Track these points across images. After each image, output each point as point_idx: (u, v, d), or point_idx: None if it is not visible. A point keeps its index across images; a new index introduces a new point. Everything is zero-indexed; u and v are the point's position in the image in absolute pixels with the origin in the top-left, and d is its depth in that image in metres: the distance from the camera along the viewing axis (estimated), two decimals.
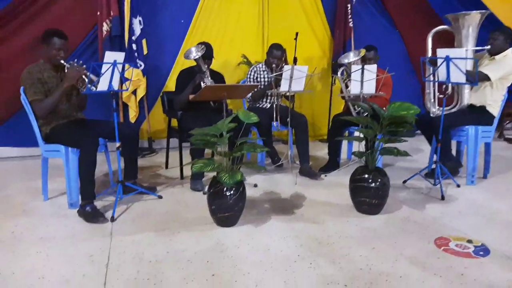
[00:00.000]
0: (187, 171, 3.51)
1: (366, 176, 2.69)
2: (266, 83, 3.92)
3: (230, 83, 4.10)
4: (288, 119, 3.57)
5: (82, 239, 2.35)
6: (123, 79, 2.85)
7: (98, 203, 2.87)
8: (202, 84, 3.39)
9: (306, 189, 3.26)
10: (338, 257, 2.15)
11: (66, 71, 2.78)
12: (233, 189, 2.44)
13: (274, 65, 3.80)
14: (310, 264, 2.08)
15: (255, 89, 3.72)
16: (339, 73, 3.80)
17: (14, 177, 3.58)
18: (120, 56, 2.78)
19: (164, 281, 1.92)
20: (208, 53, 3.42)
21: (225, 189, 2.43)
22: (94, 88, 2.69)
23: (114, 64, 2.70)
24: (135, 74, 4.21)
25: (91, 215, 2.60)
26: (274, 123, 3.78)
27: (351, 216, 2.71)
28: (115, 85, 2.80)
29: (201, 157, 3.35)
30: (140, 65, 4.27)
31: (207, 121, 3.35)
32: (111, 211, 2.71)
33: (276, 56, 3.83)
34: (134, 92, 4.32)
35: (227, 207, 2.46)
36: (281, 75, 3.47)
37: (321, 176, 3.60)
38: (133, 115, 4.37)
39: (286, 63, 3.97)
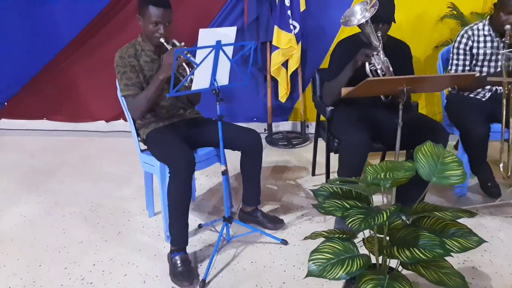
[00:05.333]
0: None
1: None
2: (490, 59, 2.30)
3: (419, 70, 2.55)
4: None
5: None
6: (235, 69, 1.84)
7: (203, 235, 2.14)
8: (368, 67, 2.09)
9: None
10: None
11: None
12: None
13: (509, 28, 2.15)
14: None
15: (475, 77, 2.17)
16: None
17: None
18: (228, 33, 1.77)
19: None
20: (383, 13, 2.05)
21: None
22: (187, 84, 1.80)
23: (218, 47, 1.72)
24: (287, 41, 3.14)
25: (177, 272, 1.81)
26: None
27: None
28: (222, 79, 1.84)
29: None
30: (294, 27, 3.15)
31: (372, 128, 2.10)
32: (207, 260, 1.91)
33: None
34: (285, 64, 3.29)
35: None
36: None
37: None
38: (283, 92, 3.39)
39: None
